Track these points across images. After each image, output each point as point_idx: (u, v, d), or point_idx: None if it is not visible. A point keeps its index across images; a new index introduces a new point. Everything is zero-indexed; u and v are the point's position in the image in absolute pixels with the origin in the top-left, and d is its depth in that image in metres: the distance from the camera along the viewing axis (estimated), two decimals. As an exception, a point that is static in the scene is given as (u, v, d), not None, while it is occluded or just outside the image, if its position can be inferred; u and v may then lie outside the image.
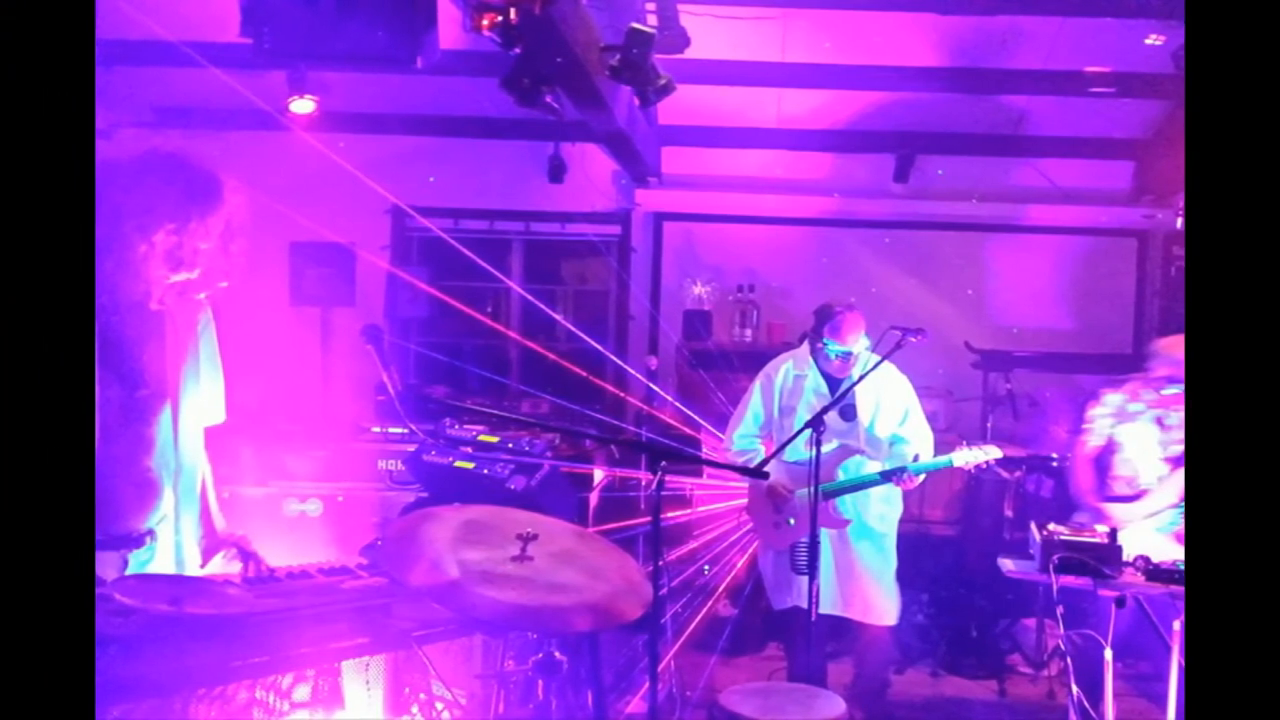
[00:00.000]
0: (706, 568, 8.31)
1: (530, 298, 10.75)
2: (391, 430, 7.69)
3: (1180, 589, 5.50)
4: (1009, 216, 10.30)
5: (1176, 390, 6.39)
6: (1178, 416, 6.42)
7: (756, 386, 6.93)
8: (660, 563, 4.52)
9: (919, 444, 6.64)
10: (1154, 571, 5.65)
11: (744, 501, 7.16)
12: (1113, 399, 6.69)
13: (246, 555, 4.20)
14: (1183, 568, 5.57)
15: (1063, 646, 5.95)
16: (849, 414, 6.63)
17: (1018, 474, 8.45)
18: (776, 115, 9.81)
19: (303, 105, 7.70)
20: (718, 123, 9.96)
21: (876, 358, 6.42)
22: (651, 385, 8.74)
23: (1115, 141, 9.99)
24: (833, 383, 6.67)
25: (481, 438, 6.60)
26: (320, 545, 6.49)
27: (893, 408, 6.70)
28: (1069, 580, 5.68)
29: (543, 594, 3.46)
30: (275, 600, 3.60)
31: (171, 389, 3.94)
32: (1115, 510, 6.46)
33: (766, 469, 6.19)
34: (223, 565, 4.21)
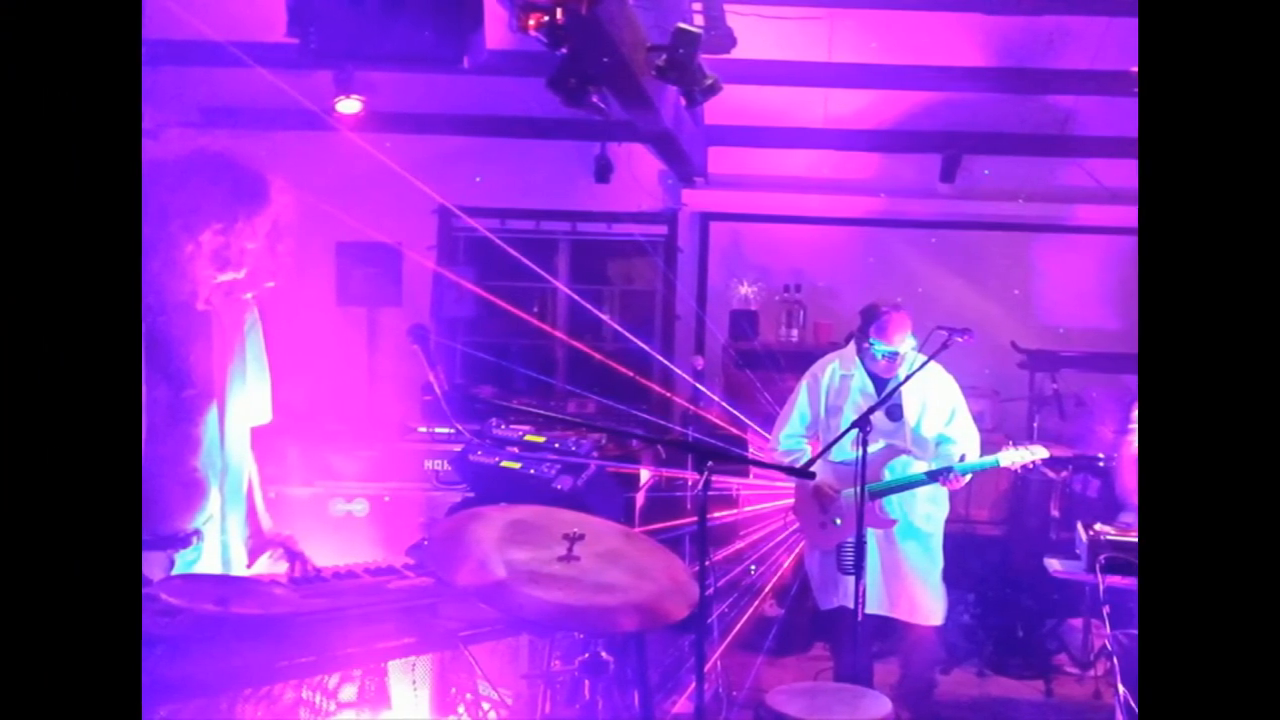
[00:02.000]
0: (753, 568, 8.29)
1: (577, 298, 10.75)
2: (438, 430, 7.68)
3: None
4: (1055, 216, 10.25)
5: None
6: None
7: (803, 386, 6.91)
8: (707, 563, 4.51)
9: (965, 444, 6.60)
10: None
11: (790, 501, 7.14)
12: (1160, 399, 6.63)
13: (293, 555, 4.21)
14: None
15: (1109, 646, 5.91)
16: (895, 414, 6.60)
17: (1064, 474, 8.39)
18: (823, 115, 9.77)
19: (349, 105, 7.71)
20: (764, 123, 9.93)
21: (923, 358, 6.40)
22: (698, 385, 8.74)
23: (1163, 141, 9.89)
24: (879, 383, 6.64)
25: (528, 438, 6.58)
26: (366, 545, 6.51)
27: (939, 408, 6.68)
28: (1115, 580, 5.66)
29: (589, 594, 3.46)
30: (322, 600, 3.61)
31: (218, 389, 3.96)
32: (1163, 511, 6.40)
33: (813, 469, 6.17)
34: (269, 565, 4.22)
